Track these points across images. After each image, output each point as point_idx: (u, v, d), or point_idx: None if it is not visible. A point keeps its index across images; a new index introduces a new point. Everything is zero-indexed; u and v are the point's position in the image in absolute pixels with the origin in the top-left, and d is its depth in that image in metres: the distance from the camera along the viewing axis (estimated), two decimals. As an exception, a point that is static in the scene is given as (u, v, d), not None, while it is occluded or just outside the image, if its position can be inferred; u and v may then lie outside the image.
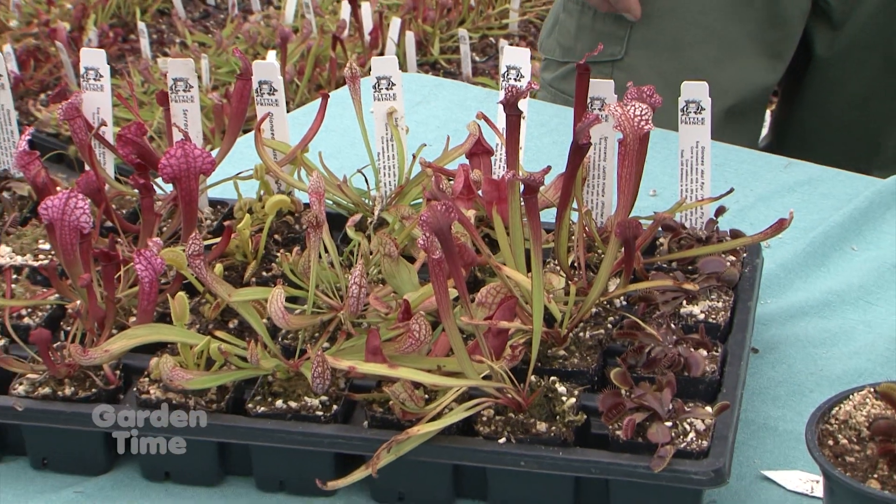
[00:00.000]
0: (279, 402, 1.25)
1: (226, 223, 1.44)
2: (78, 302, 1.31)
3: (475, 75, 3.92)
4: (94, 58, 1.53)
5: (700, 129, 1.43)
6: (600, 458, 1.19)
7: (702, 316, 1.35)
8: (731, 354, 1.30)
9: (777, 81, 1.99)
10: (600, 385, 1.28)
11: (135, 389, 1.28)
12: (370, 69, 1.50)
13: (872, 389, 1.16)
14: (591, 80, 1.42)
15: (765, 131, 2.25)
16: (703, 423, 1.21)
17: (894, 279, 1.53)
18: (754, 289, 1.40)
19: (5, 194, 1.56)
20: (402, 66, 3.02)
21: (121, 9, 4.42)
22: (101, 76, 1.53)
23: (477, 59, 4.06)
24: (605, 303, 1.36)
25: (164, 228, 1.48)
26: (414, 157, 1.51)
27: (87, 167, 1.49)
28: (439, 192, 1.31)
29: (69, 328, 1.33)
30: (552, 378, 1.26)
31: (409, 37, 3.79)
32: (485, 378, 1.21)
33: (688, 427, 1.20)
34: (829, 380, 1.38)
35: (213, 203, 1.57)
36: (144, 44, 4.08)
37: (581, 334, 1.32)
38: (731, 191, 1.46)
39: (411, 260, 1.35)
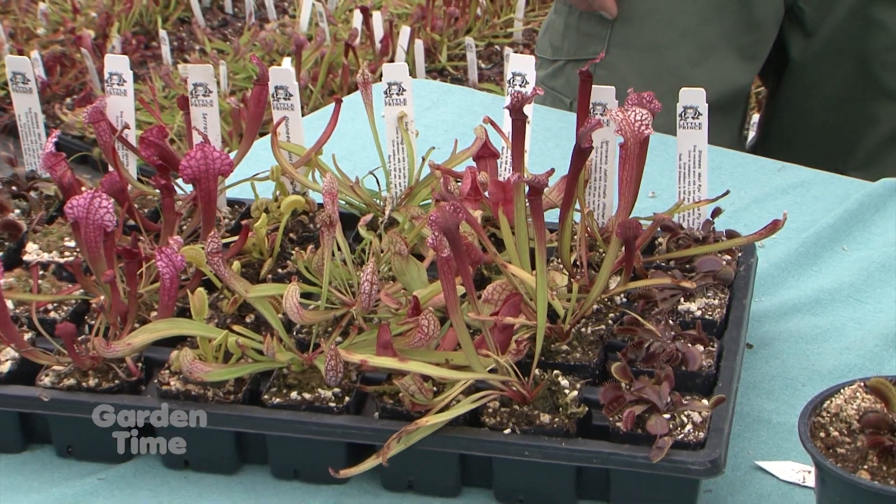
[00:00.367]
0: (294, 394, 1.25)
1: (243, 222, 1.44)
2: (102, 297, 1.31)
3: (481, 81, 3.91)
4: (118, 64, 1.53)
5: (697, 133, 1.43)
6: (601, 448, 1.19)
7: (699, 313, 1.34)
8: (727, 350, 1.30)
9: (751, 81, 2.01)
10: (601, 378, 1.28)
11: (156, 381, 1.28)
12: (381, 75, 1.49)
13: (862, 384, 1.16)
14: (593, 86, 1.42)
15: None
16: (699, 415, 1.20)
17: (883, 278, 1.53)
18: (749, 287, 1.39)
19: (33, 194, 1.56)
20: (412, 73, 3.02)
21: (143, 17, 4.42)
22: (124, 81, 1.53)
23: (483, 65, 4.06)
24: (606, 300, 1.36)
25: (184, 227, 1.47)
26: (423, 159, 1.50)
27: (110, 168, 1.49)
28: (448, 194, 1.31)
29: (93, 322, 1.33)
30: (555, 372, 1.26)
31: (419, 45, 3.79)
32: (491, 371, 1.21)
33: (685, 419, 1.20)
34: (821, 374, 1.38)
35: (231, 203, 1.57)
36: (165, 50, 4.09)
37: (583, 330, 1.32)
38: (727, 193, 1.45)
39: (420, 258, 1.35)
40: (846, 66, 1.96)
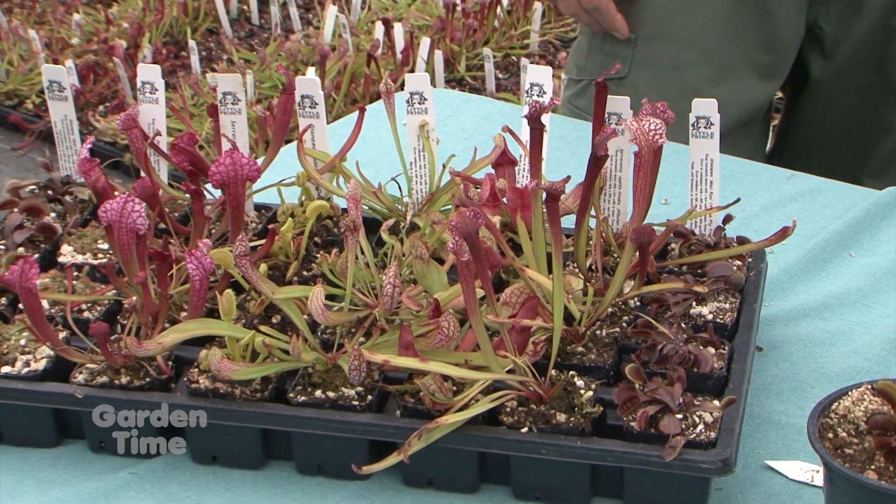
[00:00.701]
0: (318, 393, 1.25)
1: (270, 226, 1.44)
2: (134, 298, 1.31)
3: (498, 91, 3.91)
4: (150, 73, 1.53)
5: (709, 142, 1.42)
6: (616, 447, 1.18)
7: (710, 316, 1.34)
8: (738, 352, 1.29)
9: (770, 99, 1.98)
10: (616, 379, 1.27)
11: (185, 379, 1.28)
12: (402, 85, 1.49)
13: (870, 386, 1.15)
14: (608, 97, 1.41)
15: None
16: (711, 415, 1.20)
17: (890, 284, 1.52)
18: (759, 291, 1.39)
19: (68, 198, 1.56)
20: (431, 83, 3.03)
21: (173, 28, 4.43)
22: (156, 90, 1.53)
23: (500, 76, 4.06)
24: (620, 303, 1.35)
25: (213, 230, 1.47)
26: (444, 166, 1.50)
27: (142, 174, 1.49)
28: (467, 199, 1.31)
29: (125, 322, 1.33)
30: (571, 372, 1.25)
31: (438, 55, 3.79)
32: (509, 372, 1.21)
33: (697, 419, 1.19)
34: (829, 377, 1.37)
35: (259, 207, 1.57)
36: (194, 60, 4.09)
37: (598, 332, 1.32)
38: (738, 200, 1.45)
39: (441, 262, 1.34)
40: (865, 77, 1.93)
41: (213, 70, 4.10)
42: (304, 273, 1.43)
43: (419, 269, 1.31)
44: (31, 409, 1.29)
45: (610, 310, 1.34)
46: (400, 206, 1.51)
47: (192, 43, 4.14)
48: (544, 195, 1.25)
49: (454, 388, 1.22)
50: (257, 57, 4.15)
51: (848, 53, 1.92)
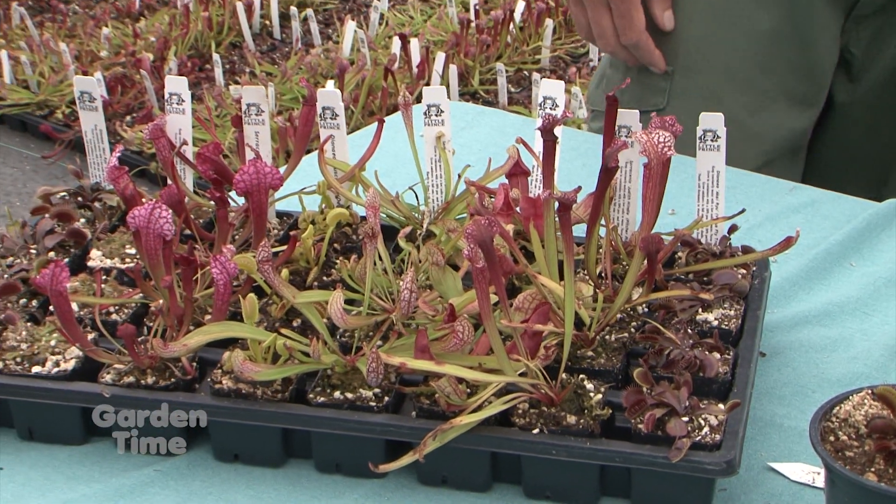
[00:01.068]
0: (337, 394, 1.25)
1: (291, 233, 1.44)
2: (160, 301, 1.31)
3: (510, 104, 3.92)
4: (177, 84, 1.53)
5: (716, 155, 1.42)
6: (624, 448, 1.18)
7: (716, 322, 1.33)
8: (742, 358, 1.29)
9: (809, 127, 1.90)
10: (624, 383, 1.27)
11: (209, 380, 1.28)
12: (418, 98, 1.49)
13: (870, 391, 1.15)
14: (618, 110, 1.41)
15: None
16: (716, 418, 1.19)
17: (889, 292, 1.51)
18: (763, 299, 1.38)
19: (97, 204, 1.57)
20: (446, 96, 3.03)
21: (198, 42, 4.44)
22: (182, 101, 1.53)
23: (512, 89, 4.06)
24: (629, 309, 1.35)
25: (236, 237, 1.47)
26: (459, 176, 1.50)
27: (169, 181, 1.49)
28: (482, 208, 1.31)
29: (151, 324, 1.33)
30: (581, 376, 1.25)
31: (453, 69, 3.80)
32: (521, 375, 1.21)
33: (702, 422, 1.19)
34: (830, 382, 1.36)
35: (280, 215, 1.57)
36: (218, 73, 4.10)
37: (607, 337, 1.31)
38: (743, 211, 1.45)
39: (456, 268, 1.34)
40: (887, 97, 1.87)
41: (236, 82, 4.11)
42: (324, 278, 1.43)
43: (435, 275, 1.31)
44: (60, 408, 1.29)
45: (619, 316, 1.33)
46: (416, 215, 1.51)
47: (216, 56, 4.15)
48: (557, 205, 1.25)
49: (468, 390, 1.22)
50: (278, 70, 4.16)
51: (874, 77, 1.87)
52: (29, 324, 1.35)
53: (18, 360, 1.30)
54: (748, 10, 1.78)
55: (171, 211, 1.29)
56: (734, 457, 1.15)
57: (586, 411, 1.21)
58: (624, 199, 1.46)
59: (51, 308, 1.36)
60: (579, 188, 1.28)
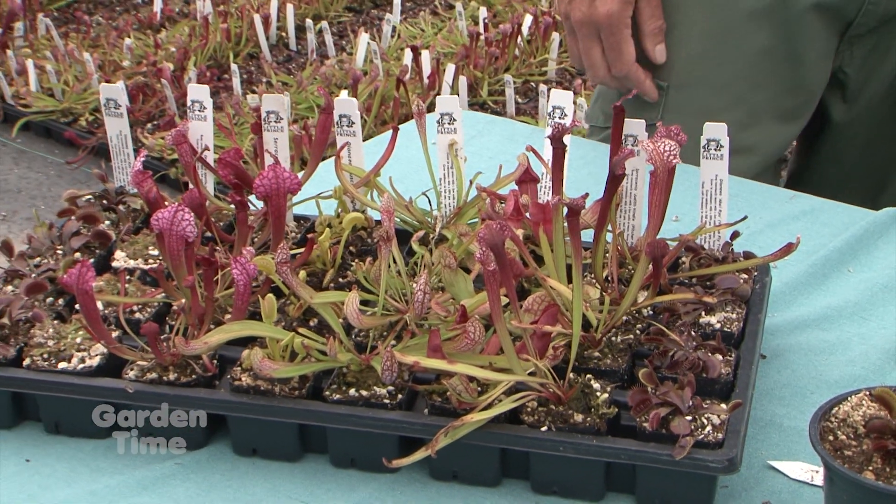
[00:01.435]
0: (352, 391, 1.25)
1: (309, 236, 1.44)
2: (182, 300, 1.31)
3: (518, 114, 3.92)
4: (199, 92, 1.53)
5: (719, 163, 1.42)
6: (629, 446, 1.18)
7: (718, 325, 1.33)
8: (743, 359, 1.29)
9: (792, 140, 1.90)
10: (629, 383, 1.27)
11: (229, 377, 1.28)
12: (429, 107, 1.49)
13: (868, 392, 1.15)
14: (625, 119, 1.41)
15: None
16: (718, 418, 1.19)
17: (886, 297, 1.51)
18: (764, 303, 1.38)
19: (121, 207, 1.57)
20: (457, 106, 3.02)
21: (217, 52, 4.45)
22: (204, 108, 1.53)
23: (520, 100, 4.06)
24: (634, 312, 1.35)
25: (255, 239, 1.48)
26: (471, 182, 1.50)
27: (190, 185, 1.49)
28: (494, 213, 1.31)
29: (173, 323, 1.33)
30: (588, 376, 1.25)
31: (462, 80, 3.80)
32: (530, 374, 1.21)
33: (705, 421, 1.19)
34: (828, 384, 1.36)
35: (298, 218, 1.57)
36: (236, 82, 4.11)
37: (613, 339, 1.31)
38: (745, 218, 1.45)
39: (467, 271, 1.35)
40: (883, 115, 1.86)
41: (254, 92, 4.11)
42: (340, 280, 1.43)
43: (447, 278, 1.31)
44: (85, 403, 1.29)
45: (624, 318, 1.33)
46: (429, 219, 1.51)
47: (234, 66, 4.15)
48: (565, 210, 1.25)
49: (479, 388, 1.22)
50: (294, 80, 4.16)
51: (870, 95, 1.85)
52: (56, 321, 1.36)
53: (45, 356, 1.31)
54: (743, 29, 1.77)
55: (193, 213, 1.29)
56: (736, 455, 1.15)
57: (593, 410, 1.21)
58: (630, 205, 1.46)
59: (77, 306, 1.36)
60: (587, 194, 1.28)
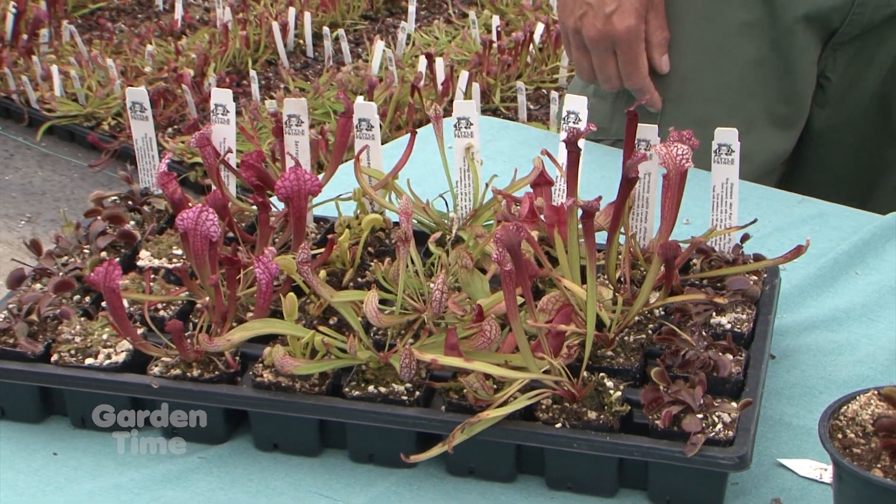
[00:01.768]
0: (371, 388, 1.25)
1: (329, 236, 1.44)
2: (206, 298, 1.31)
3: (530, 120, 3.91)
4: (222, 96, 1.54)
5: (730, 168, 1.42)
6: (641, 443, 1.18)
7: (729, 326, 1.33)
8: (753, 359, 1.29)
9: (790, 149, 1.88)
10: (642, 381, 1.27)
11: (250, 373, 1.28)
12: (443, 111, 1.50)
13: (876, 392, 1.15)
14: (638, 124, 1.42)
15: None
16: (729, 416, 1.19)
17: (893, 300, 1.51)
18: (773, 304, 1.38)
19: (146, 208, 1.57)
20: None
21: (236, 59, 4.45)
22: (227, 112, 1.54)
23: (531, 106, 4.06)
24: (646, 312, 1.35)
25: (276, 239, 1.48)
26: (486, 185, 1.50)
27: (213, 187, 1.50)
28: (510, 215, 1.31)
29: (197, 320, 1.34)
30: (601, 374, 1.25)
31: (476, 87, 3.80)
32: (545, 372, 1.21)
33: (716, 419, 1.19)
34: (837, 384, 1.36)
35: (317, 219, 1.57)
36: (254, 88, 4.11)
37: (626, 338, 1.31)
38: (755, 221, 1.44)
39: (483, 271, 1.34)
40: (867, 121, 1.86)
41: (271, 97, 4.12)
42: (359, 279, 1.43)
43: (464, 278, 1.31)
44: (111, 398, 1.30)
45: (637, 318, 1.33)
46: (446, 221, 1.51)
47: (252, 73, 4.16)
48: (580, 212, 1.25)
49: (495, 386, 1.22)
50: (311, 86, 4.17)
51: (852, 102, 1.84)
52: (82, 318, 1.36)
53: (73, 352, 1.31)
54: (735, 42, 1.77)
55: (216, 214, 1.29)
56: (746, 452, 1.15)
57: (606, 407, 1.21)
58: (642, 208, 1.46)
59: (103, 304, 1.37)
60: (600, 197, 1.28)
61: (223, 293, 1.30)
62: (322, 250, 1.41)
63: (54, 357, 1.31)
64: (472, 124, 1.50)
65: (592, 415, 1.20)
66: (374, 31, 4.80)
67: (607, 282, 1.36)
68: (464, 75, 3.85)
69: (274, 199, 1.45)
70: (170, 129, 4.02)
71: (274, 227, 1.45)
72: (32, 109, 4.26)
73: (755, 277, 1.40)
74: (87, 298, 1.41)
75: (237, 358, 1.30)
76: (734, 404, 1.21)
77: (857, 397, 1.15)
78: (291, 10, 4.62)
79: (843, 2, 1.74)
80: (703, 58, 1.79)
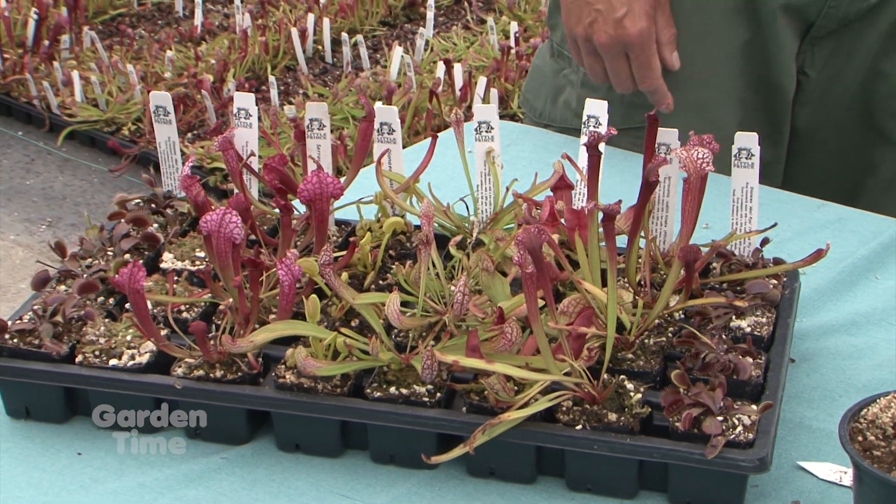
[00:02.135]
0: (392, 389, 1.26)
1: (350, 239, 1.45)
2: (229, 300, 1.32)
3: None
4: (245, 100, 1.55)
5: (750, 172, 1.42)
6: (661, 445, 1.18)
7: (748, 329, 1.34)
8: (773, 363, 1.29)
9: (783, 152, 1.87)
10: (662, 384, 1.27)
11: (273, 374, 1.29)
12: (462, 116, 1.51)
13: (896, 395, 1.15)
14: (658, 128, 1.42)
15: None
16: (749, 419, 1.20)
17: (912, 304, 1.51)
18: (793, 308, 1.38)
19: (169, 211, 1.58)
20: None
21: (255, 64, 4.47)
22: (249, 115, 1.55)
23: (549, 112, 4.06)
24: (666, 315, 1.35)
25: (298, 242, 1.48)
26: (507, 189, 1.51)
27: (235, 190, 1.50)
28: (531, 218, 1.32)
29: (219, 322, 1.35)
30: (621, 377, 1.25)
31: (493, 93, 3.81)
32: (565, 374, 1.21)
33: (736, 422, 1.19)
34: (856, 387, 1.36)
35: (339, 223, 1.58)
36: (273, 93, 4.13)
37: (646, 341, 1.32)
38: (775, 225, 1.45)
39: (504, 274, 1.35)
40: (849, 120, 1.85)
41: (290, 103, 4.13)
42: (381, 282, 1.44)
43: (485, 281, 1.32)
44: (134, 398, 1.31)
45: (657, 321, 1.34)
46: (467, 224, 1.51)
47: (271, 78, 4.17)
48: (601, 215, 1.26)
49: (515, 387, 1.23)
50: (330, 92, 4.18)
51: (833, 100, 1.84)
52: (107, 320, 1.37)
53: (97, 353, 1.32)
54: (722, 28, 1.78)
55: (239, 216, 1.30)
56: (766, 454, 1.16)
57: (626, 409, 1.22)
58: (662, 212, 1.47)
59: (127, 305, 1.38)
60: (621, 201, 1.29)
61: (246, 295, 1.31)
62: (344, 253, 1.42)
63: (79, 358, 1.32)
64: (492, 128, 1.50)
65: (613, 417, 1.21)
66: (393, 37, 4.81)
67: (627, 285, 1.37)
68: (482, 81, 3.86)
69: (296, 203, 1.46)
70: (189, 135, 4.04)
71: (296, 230, 1.46)
72: (53, 115, 4.28)
73: (775, 281, 1.40)
74: (111, 300, 1.42)
75: (260, 359, 1.30)
76: (754, 407, 1.21)
77: (878, 400, 1.15)
78: (310, 16, 4.64)
79: None
80: (694, 44, 1.80)
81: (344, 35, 4.50)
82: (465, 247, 1.46)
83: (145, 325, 1.28)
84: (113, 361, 1.31)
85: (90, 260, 1.49)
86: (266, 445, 1.31)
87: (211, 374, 1.29)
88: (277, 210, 1.45)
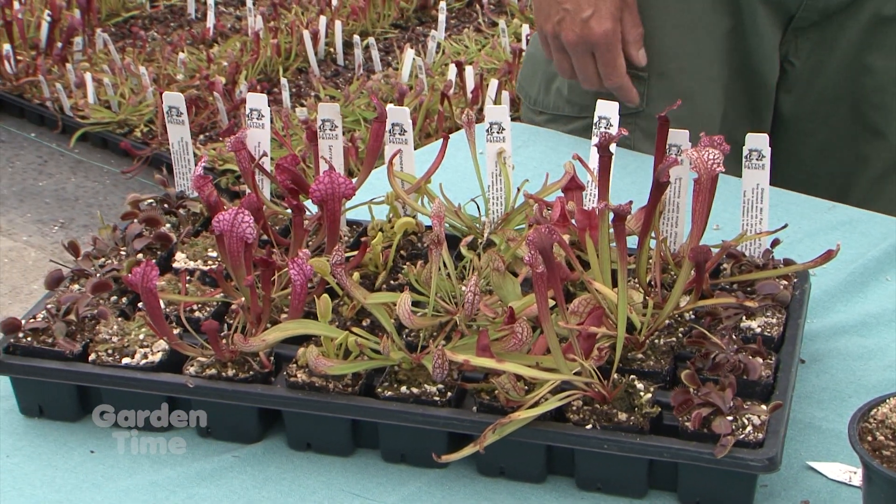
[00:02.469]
0: (403, 388, 1.26)
1: (362, 239, 1.46)
2: (241, 299, 1.33)
3: (559, 129, 3.91)
4: (257, 101, 1.55)
5: (761, 173, 1.43)
6: (671, 444, 1.19)
7: (759, 329, 1.34)
8: (783, 363, 1.29)
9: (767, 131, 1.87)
10: (672, 384, 1.28)
11: (284, 373, 1.30)
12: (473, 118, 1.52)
13: (906, 395, 1.15)
14: (669, 129, 1.42)
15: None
16: (758, 418, 1.20)
17: (923, 306, 1.51)
18: (803, 309, 1.39)
19: (181, 211, 1.59)
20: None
21: (267, 67, 4.48)
22: (262, 116, 1.55)
23: (561, 115, 4.06)
24: (677, 316, 1.36)
25: (310, 243, 1.49)
26: (518, 189, 1.51)
27: (247, 191, 1.51)
28: (542, 219, 1.32)
29: (232, 321, 1.35)
30: (632, 376, 1.26)
31: (505, 95, 3.81)
32: (576, 374, 1.22)
33: (746, 422, 1.20)
34: (866, 388, 1.36)
35: (350, 223, 1.58)
36: (285, 96, 4.14)
37: (656, 341, 1.32)
38: (786, 226, 1.45)
39: (515, 274, 1.36)
40: (837, 113, 1.86)
41: (302, 105, 4.14)
42: (392, 282, 1.44)
43: (496, 281, 1.32)
44: (147, 397, 1.32)
45: (667, 321, 1.34)
46: (478, 225, 1.52)
47: (283, 80, 4.18)
48: (612, 216, 1.26)
49: (526, 387, 1.23)
50: (341, 94, 4.19)
51: (819, 90, 1.85)
52: (119, 319, 1.38)
53: (110, 351, 1.33)
54: (709, 17, 1.80)
55: (252, 216, 1.31)
56: (776, 454, 1.16)
57: (636, 409, 1.22)
58: (673, 213, 1.47)
59: (140, 305, 1.39)
60: (631, 202, 1.29)
61: (258, 294, 1.32)
62: (355, 253, 1.43)
63: (92, 356, 1.33)
64: (504, 129, 1.51)
65: (623, 416, 1.21)
66: (404, 40, 4.82)
67: (638, 285, 1.37)
68: (493, 83, 3.87)
69: (308, 203, 1.46)
70: (201, 136, 4.05)
71: (308, 230, 1.47)
72: (66, 116, 4.30)
73: (785, 282, 1.41)
74: (124, 299, 1.43)
75: (271, 358, 1.31)
76: (764, 407, 1.21)
77: (887, 400, 1.15)
78: (322, 19, 4.65)
79: None
80: (679, 32, 1.82)
81: (356, 37, 4.51)
82: (476, 247, 1.47)
83: (158, 324, 1.29)
84: (126, 360, 1.32)
85: (103, 259, 1.50)
86: (277, 444, 1.31)
87: (223, 373, 1.30)
88: (289, 210, 1.45)
